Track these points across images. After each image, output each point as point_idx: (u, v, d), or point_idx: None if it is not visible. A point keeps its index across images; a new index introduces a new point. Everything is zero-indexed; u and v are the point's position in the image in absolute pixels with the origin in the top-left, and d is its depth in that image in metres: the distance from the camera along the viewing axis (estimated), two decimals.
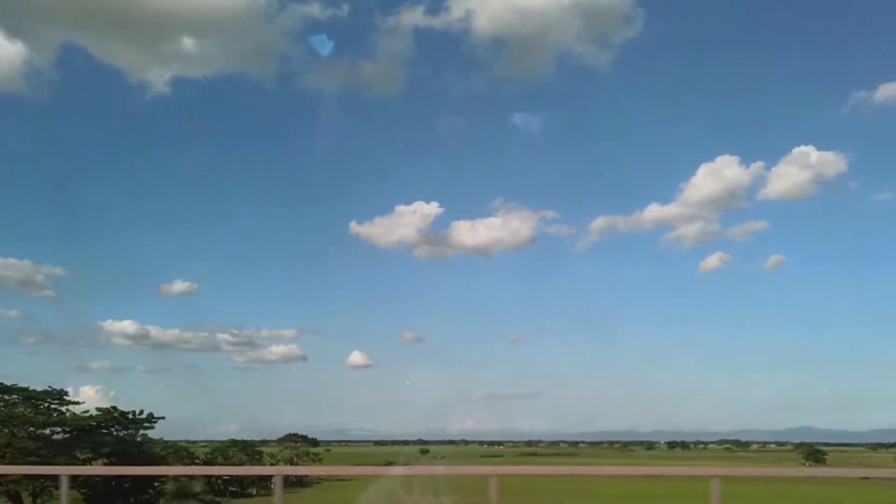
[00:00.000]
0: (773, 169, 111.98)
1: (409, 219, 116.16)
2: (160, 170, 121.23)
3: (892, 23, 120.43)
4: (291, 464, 58.93)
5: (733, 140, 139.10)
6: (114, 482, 34.18)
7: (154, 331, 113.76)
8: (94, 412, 37.40)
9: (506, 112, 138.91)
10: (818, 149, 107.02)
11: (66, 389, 37.54)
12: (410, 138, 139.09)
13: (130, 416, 38.06)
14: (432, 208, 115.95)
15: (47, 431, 35.93)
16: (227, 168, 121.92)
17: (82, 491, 34.83)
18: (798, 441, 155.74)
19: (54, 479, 31.75)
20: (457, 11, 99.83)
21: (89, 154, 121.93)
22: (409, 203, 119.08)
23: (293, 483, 54.49)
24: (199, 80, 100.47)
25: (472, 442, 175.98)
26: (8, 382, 36.17)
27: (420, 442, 79.76)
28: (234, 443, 56.07)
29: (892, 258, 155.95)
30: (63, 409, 36.73)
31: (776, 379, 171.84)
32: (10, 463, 31.15)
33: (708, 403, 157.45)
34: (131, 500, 32.21)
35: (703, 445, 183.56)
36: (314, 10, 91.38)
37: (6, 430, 34.74)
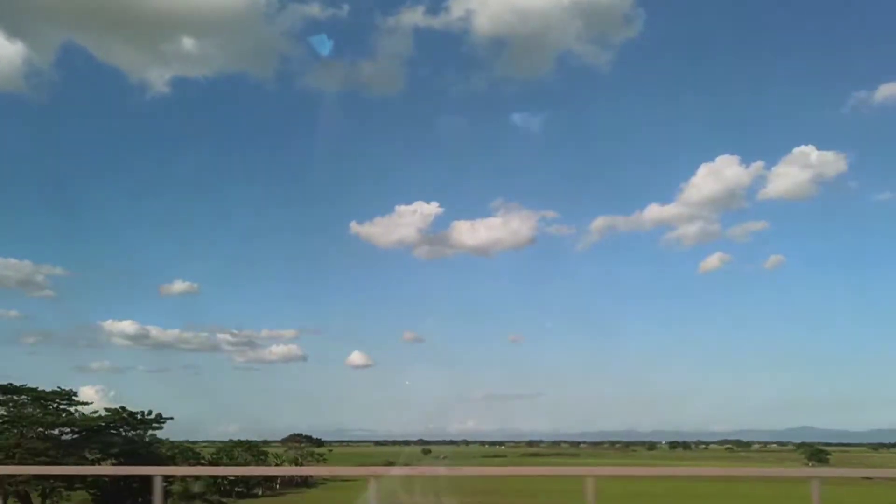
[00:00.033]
0: (773, 169, 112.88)
1: (409, 219, 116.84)
2: (160, 170, 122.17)
3: (892, 23, 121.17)
4: (296, 464, 59.26)
5: (733, 140, 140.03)
6: (122, 482, 34.46)
7: (154, 331, 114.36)
8: (103, 412, 37.67)
9: (506, 112, 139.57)
10: (818, 149, 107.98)
11: (74, 390, 37.81)
12: (410, 138, 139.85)
13: (139, 417, 38.31)
14: (432, 208, 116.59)
15: (56, 432, 36.19)
16: (227, 168, 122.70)
17: (91, 491, 35.17)
18: (798, 441, 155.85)
19: (63, 479, 32.24)
20: (457, 11, 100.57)
21: (89, 154, 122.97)
22: (409, 203, 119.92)
23: (298, 483, 54.95)
24: (199, 80, 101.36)
25: (473, 442, 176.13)
26: (8, 383, 36.30)
27: (421, 442, 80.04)
28: (239, 443, 56.38)
29: (892, 258, 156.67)
30: (72, 409, 37.00)
31: (776, 379, 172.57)
32: (20, 463, 31.31)
33: (708, 403, 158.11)
34: (139, 500, 32.44)
35: (704, 446, 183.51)
36: (314, 10, 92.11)
37: (15, 431, 34.95)
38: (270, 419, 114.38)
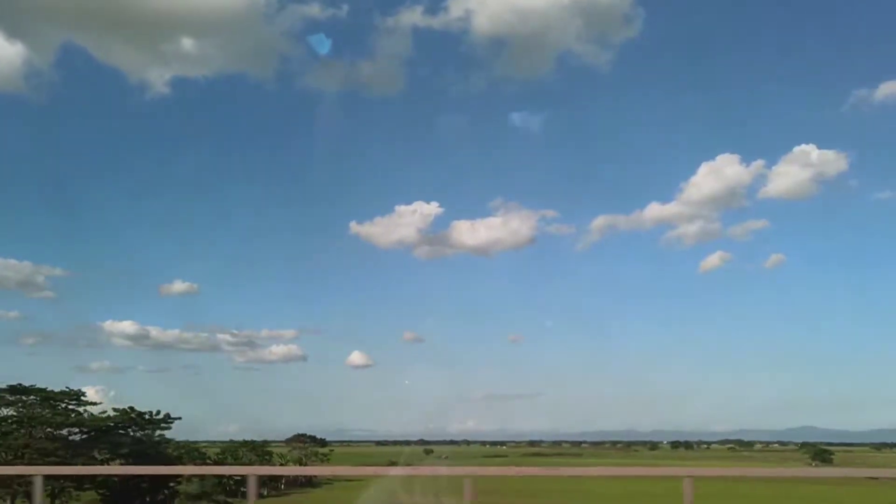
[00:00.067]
0: (773, 168, 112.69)
1: (409, 219, 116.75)
2: (160, 170, 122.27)
3: (892, 23, 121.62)
4: (300, 464, 59.67)
5: (734, 139, 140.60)
6: (130, 482, 34.85)
7: (154, 331, 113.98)
8: (111, 413, 38.00)
9: (505, 112, 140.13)
10: (819, 147, 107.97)
11: (83, 390, 38.12)
12: (410, 138, 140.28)
13: (147, 417, 38.61)
14: (432, 208, 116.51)
15: (65, 432, 36.51)
16: (227, 168, 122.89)
17: (100, 491, 35.52)
18: (800, 441, 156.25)
19: (73, 479, 32.60)
20: (456, 11, 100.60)
21: (89, 154, 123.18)
22: (409, 203, 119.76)
23: (303, 483, 55.34)
24: (199, 80, 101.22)
25: (474, 442, 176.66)
26: (17, 383, 36.38)
27: (421, 442, 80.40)
28: (244, 443, 56.78)
29: (893, 257, 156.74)
30: (80, 409, 37.33)
31: (777, 378, 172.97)
32: (29, 463, 31.63)
33: (708, 403, 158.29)
34: (147, 499, 32.87)
35: (705, 445, 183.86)
36: (314, 10, 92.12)
37: (24, 431, 35.33)
38: (271, 419, 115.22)
